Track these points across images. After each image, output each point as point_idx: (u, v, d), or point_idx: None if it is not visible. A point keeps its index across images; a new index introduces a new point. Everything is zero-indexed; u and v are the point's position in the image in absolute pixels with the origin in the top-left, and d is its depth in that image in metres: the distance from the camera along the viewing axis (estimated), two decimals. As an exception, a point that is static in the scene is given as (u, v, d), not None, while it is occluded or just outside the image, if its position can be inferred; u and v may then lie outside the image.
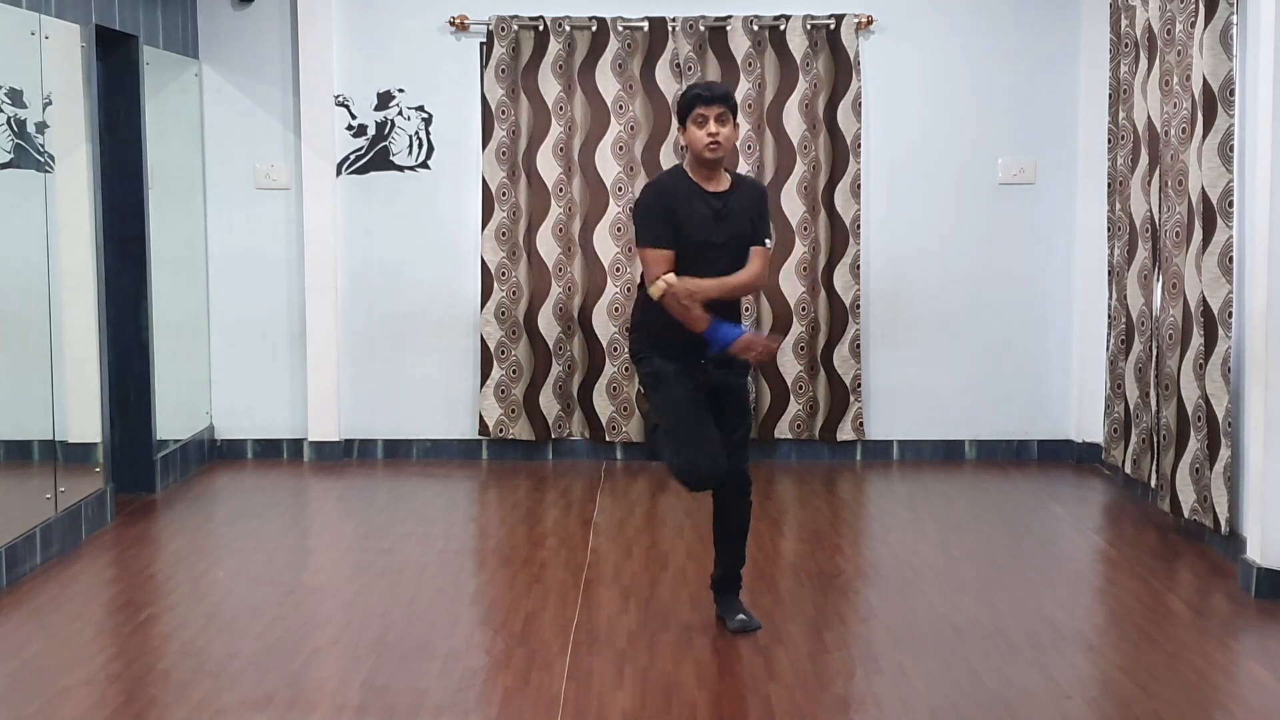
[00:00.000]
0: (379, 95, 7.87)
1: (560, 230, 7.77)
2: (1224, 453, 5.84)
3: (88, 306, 6.50)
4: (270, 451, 8.06)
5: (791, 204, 7.72)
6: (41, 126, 6.08)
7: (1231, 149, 5.80)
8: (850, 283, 7.79)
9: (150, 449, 7.16)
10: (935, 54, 7.83)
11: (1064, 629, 5.10)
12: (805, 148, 7.70)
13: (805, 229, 7.73)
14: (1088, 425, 7.76)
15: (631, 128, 7.71)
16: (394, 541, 6.38)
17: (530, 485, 7.43)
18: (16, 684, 4.59)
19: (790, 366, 7.81)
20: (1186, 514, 6.11)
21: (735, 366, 5.02)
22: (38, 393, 6.04)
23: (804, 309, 7.77)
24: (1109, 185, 7.33)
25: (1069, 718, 4.32)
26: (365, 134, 7.89)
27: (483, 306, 7.83)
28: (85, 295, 6.48)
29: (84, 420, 6.48)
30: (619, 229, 7.71)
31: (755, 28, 7.67)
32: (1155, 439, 6.50)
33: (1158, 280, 6.53)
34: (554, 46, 7.68)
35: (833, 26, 7.70)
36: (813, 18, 7.68)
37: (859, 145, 7.74)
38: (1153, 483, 6.59)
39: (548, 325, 7.82)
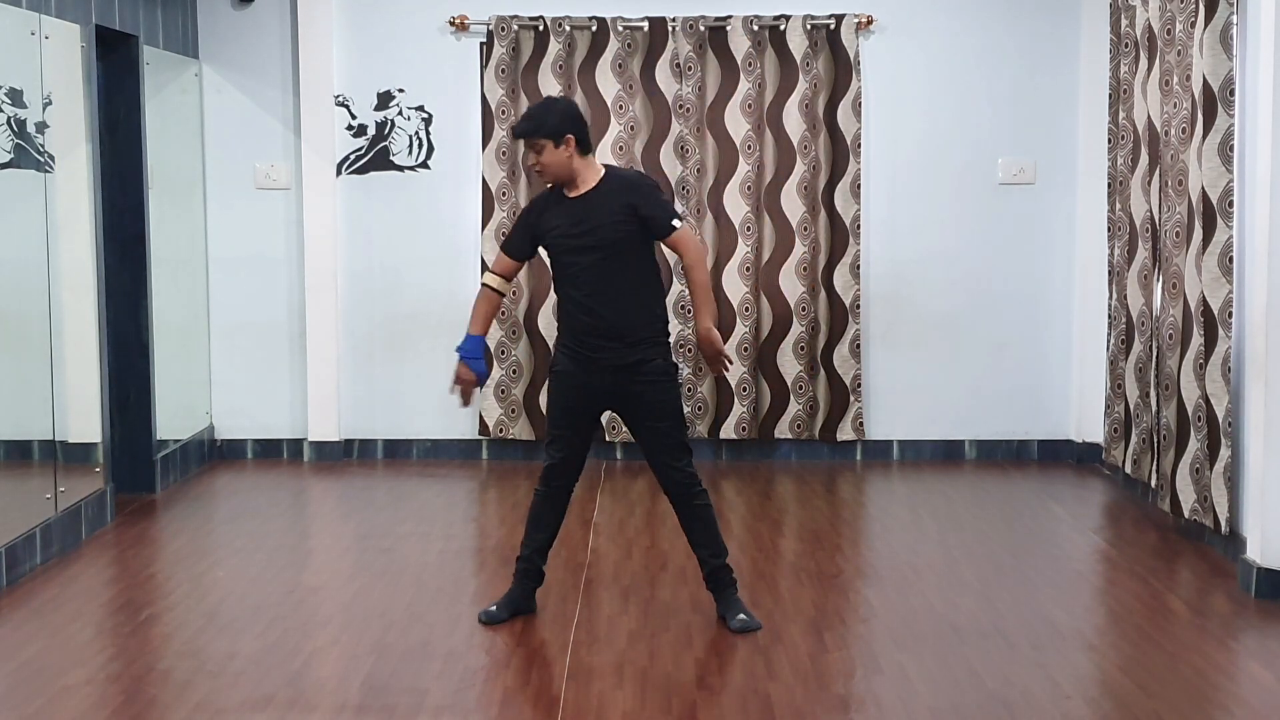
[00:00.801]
0: (379, 95, 7.87)
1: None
2: (1224, 453, 5.84)
3: (88, 306, 6.50)
4: (270, 451, 8.06)
5: (791, 204, 7.72)
6: (41, 126, 6.08)
7: (1231, 149, 5.80)
8: (850, 283, 7.79)
9: (150, 449, 7.16)
10: (935, 54, 7.83)
11: (1064, 629, 5.10)
12: (805, 148, 7.70)
13: (805, 229, 7.73)
14: (1088, 425, 7.76)
15: (631, 128, 7.71)
16: (394, 541, 6.38)
17: (530, 485, 7.37)
18: (16, 684, 4.59)
19: (790, 366, 7.81)
20: (1186, 514, 6.11)
21: (638, 372, 4.99)
22: (38, 393, 6.04)
23: (804, 309, 7.77)
24: (1109, 185, 7.33)
25: (1069, 718, 4.32)
26: (365, 134, 7.89)
27: (483, 306, 7.82)
28: (85, 295, 6.48)
29: (84, 420, 6.48)
30: (619, 229, 7.70)
31: (755, 28, 7.67)
32: (1155, 439, 6.50)
33: (1158, 280, 6.53)
34: (554, 46, 7.68)
35: (833, 26, 7.70)
36: (813, 18, 7.68)
37: (859, 145, 7.74)
38: (1153, 483, 6.59)
39: (547, 325, 7.82)
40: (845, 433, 7.89)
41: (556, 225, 5.02)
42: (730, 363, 5.16)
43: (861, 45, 7.75)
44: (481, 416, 7.88)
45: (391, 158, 7.90)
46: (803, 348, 7.81)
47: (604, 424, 7.83)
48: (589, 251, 4.95)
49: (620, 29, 7.70)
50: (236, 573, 5.90)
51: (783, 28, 7.69)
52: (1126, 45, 7.02)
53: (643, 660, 4.76)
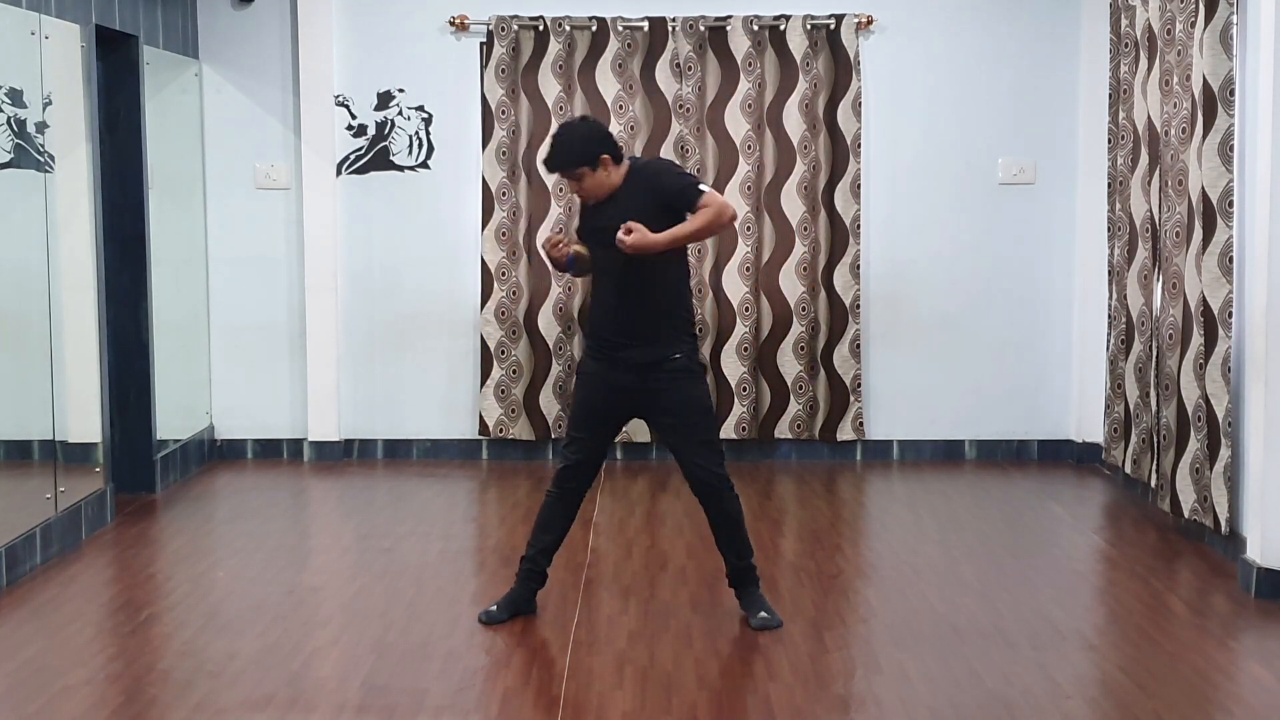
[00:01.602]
0: (379, 95, 7.87)
1: (560, 230, 7.77)
2: (1224, 453, 5.84)
3: (88, 306, 6.50)
4: (270, 451, 8.06)
5: (791, 204, 7.72)
6: (41, 126, 6.08)
7: (1231, 149, 5.80)
8: (850, 283, 7.79)
9: (150, 449, 7.16)
10: (935, 54, 7.83)
11: (1064, 629, 5.10)
12: (805, 148, 7.70)
13: (805, 229, 7.73)
14: (1088, 425, 7.76)
15: (632, 128, 7.71)
16: (394, 541, 6.37)
17: (530, 485, 7.43)
18: (16, 684, 4.59)
19: (790, 366, 7.81)
20: (1186, 514, 6.11)
21: (660, 369, 4.99)
22: (38, 393, 6.04)
23: (804, 309, 7.77)
24: (1109, 185, 7.33)
25: (1069, 718, 4.32)
26: (365, 134, 7.89)
27: (483, 306, 7.83)
28: (85, 295, 6.48)
29: (84, 420, 6.48)
30: (619, 229, 7.70)
31: (755, 28, 7.68)
32: (1155, 439, 6.50)
33: (1158, 280, 6.53)
34: (554, 46, 7.68)
35: (833, 26, 7.70)
36: (813, 18, 7.68)
37: (859, 145, 7.74)
38: (1153, 483, 6.59)
39: (548, 325, 7.82)
40: (845, 433, 7.89)
41: (592, 223, 5.07)
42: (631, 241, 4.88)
43: (861, 45, 7.75)
44: (481, 416, 7.88)
45: (391, 158, 7.90)
46: (803, 348, 7.81)
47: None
48: (618, 257, 4.93)
49: (620, 29, 7.70)
50: (236, 573, 5.90)
51: (783, 28, 7.69)
52: (1126, 45, 7.02)
53: (643, 660, 4.76)
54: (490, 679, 4.67)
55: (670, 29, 7.69)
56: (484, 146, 7.78)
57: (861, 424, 7.88)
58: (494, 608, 5.18)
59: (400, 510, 7.01)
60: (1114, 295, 7.22)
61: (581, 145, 4.95)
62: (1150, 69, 6.60)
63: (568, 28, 7.68)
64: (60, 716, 4.33)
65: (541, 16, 7.69)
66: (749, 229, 7.74)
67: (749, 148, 7.70)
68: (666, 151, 7.71)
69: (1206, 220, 5.88)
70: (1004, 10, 7.80)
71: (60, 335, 6.20)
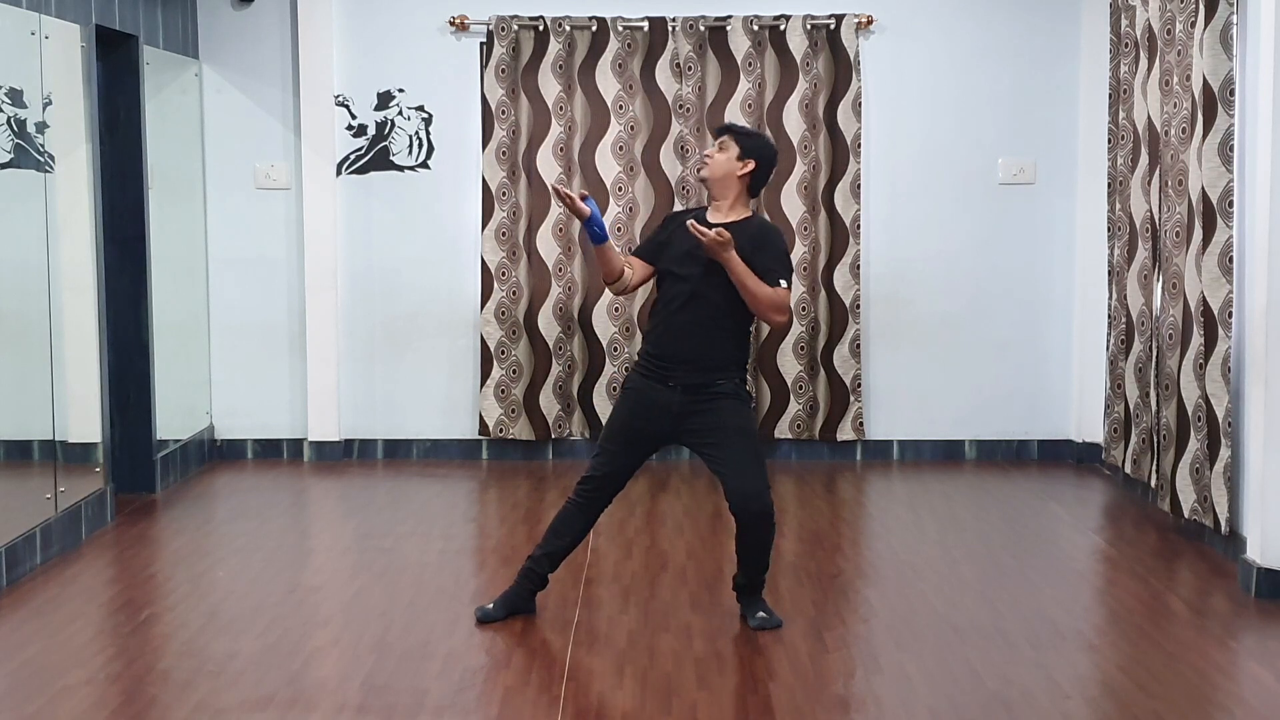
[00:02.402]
0: (379, 95, 7.87)
1: (560, 230, 7.77)
2: (1224, 453, 5.84)
3: (88, 306, 6.49)
4: (270, 451, 8.06)
5: (791, 204, 7.72)
6: (41, 126, 6.08)
7: (1231, 149, 5.80)
8: (850, 283, 7.79)
9: (150, 449, 7.16)
10: (935, 54, 7.83)
11: (1064, 629, 5.10)
12: (805, 148, 7.70)
13: (805, 229, 7.73)
14: (1088, 425, 7.76)
15: (631, 128, 7.71)
16: (394, 541, 6.37)
17: (530, 485, 7.43)
18: (16, 684, 4.59)
19: (790, 366, 7.82)
20: (1186, 514, 6.11)
21: (705, 392, 4.97)
22: (38, 393, 6.04)
23: (804, 309, 7.77)
24: (1109, 185, 7.33)
25: (1069, 718, 4.32)
26: (365, 134, 7.89)
27: (483, 306, 7.83)
28: (85, 295, 6.48)
29: (84, 420, 6.48)
30: (619, 229, 7.71)
31: (755, 28, 7.68)
32: (1155, 439, 6.50)
33: (1158, 280, 6.53)
34: (554, 46, 7.68)
35: (833, 26, 7.70)
36: (813, 18, 7.68)
37: (859, 145, 7.75)
38: (1153, 483, 6.59)
39: (548, 325, 7.82)
40: (845, 433, 7.89)
41: (681, 239, 4.99)
42: (704, 234, 4.86)
43: (861, 45, 7.75)
44: (481, 416, 7.88)
45: (391, 158, 7.90)
46: (803, 348, 7.81)
47: (604, 424, 7.82)
48: (698, 278, 4.93)
49: (620, 29, 7.70)
50: (236, 573, 5.90)
51: (783, 28, 7.69)
52: (1126, 45, 7.02)
53: (643, 660, 4.76)
54: (490, 679, 4.67)
55: (670, 29, 7.69)
56: (484, 146, 7.78)
57: (861, 424, 7.88)
58: (490, 606, 5.18)
59: (400, 510, 7.01)
60: (1114, 295, 7.22)
61: (757, 141, 5.06)
62: (1150, 69, 6.60)
63: (568, 28, 7.68)
64: (60, 716, 4.33)
65: (541, 16, 7.69)
66: (749, 229, 7.73)
67: (749, 148, 7.69)
68: (666, 152, 7.72)
69: (1206, 220, 5.88)
70: (1004, 10, 7.80)
71: (60, 335, 6.19)
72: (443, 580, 5.77)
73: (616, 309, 7.76)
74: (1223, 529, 5.85)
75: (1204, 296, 5.91)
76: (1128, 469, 6.99)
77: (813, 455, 7.98)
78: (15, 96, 5.91)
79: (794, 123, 7.70)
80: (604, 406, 7.79)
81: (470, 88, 7.84)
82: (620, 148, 7.70)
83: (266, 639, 4.99)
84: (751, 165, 4.97)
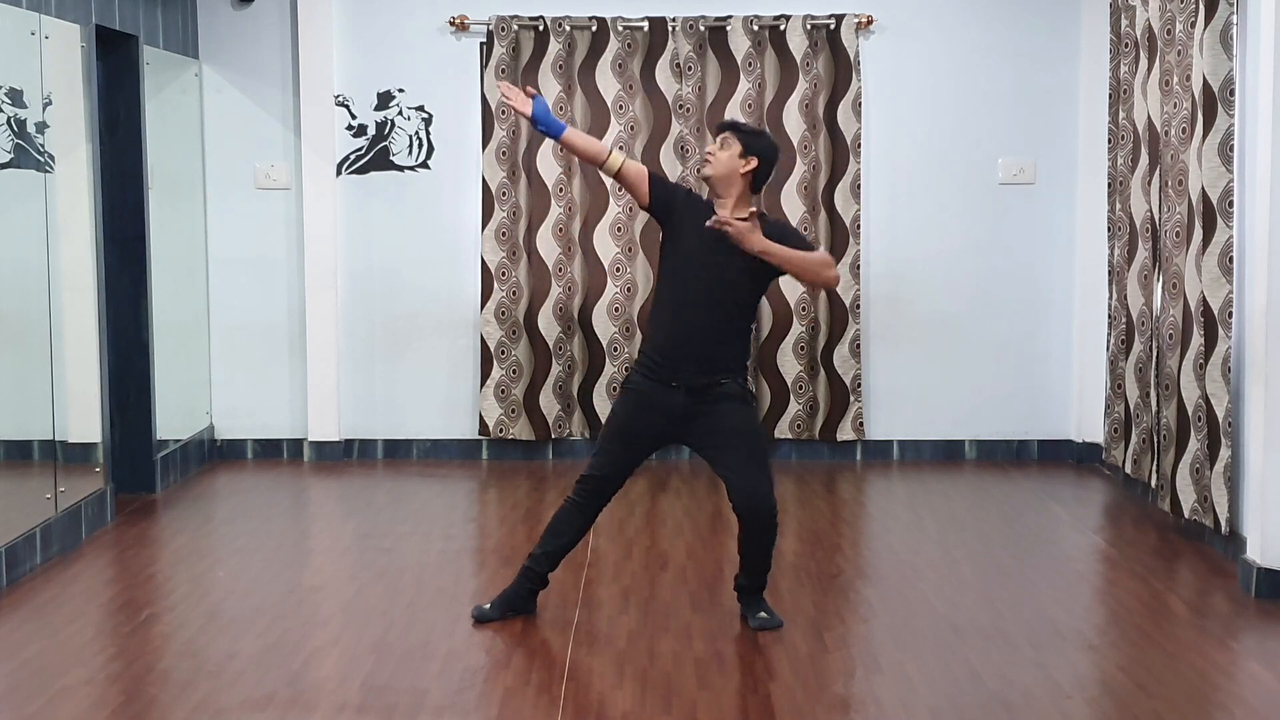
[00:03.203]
0: (379, 95, 7.87)
1: (560, 230, 7.77)
2: (1224, 453, 5.84)
3: (88, 306, 6.50)
4: (270, 451, 8.06)
5: (791, 204, 7.72)
6: (41, 126, 6.08)
7: (1231, 149, 5.80)
8: (850, 283, 7.79)
9: (150, 449, 7.16)
10: (935, 54, 7.83)
11: (1064, 629, 5.10)
12: (805, 148, 7.70)
13: (805, 229, 7.72)
14: (1088, 425, 7.76)
15: (631, 128, 7.71)
16: (394, 541, 6.37)
17: (530, 485, 7.43)
18: (16, 684, 4.59)
19: (790, 366, 7.81)
20: (1186, 514, 6.11)
21: (710, 392, 4.96)
22: (38, 393, 6.04)
23: (804, 309, 7.77)
24: (1109, 185, 7.33)
25: (1069, 718, 4.32)
26: (365, 134, 7.89)
27: (483, 306, 7.83)
28: (85, 295, 6.48)
29: (84, 420, 6.48)
30: (619, 229, 7.72)
31: (755, 28, 7.68)
32: (1155, 439, 6.50)
33: (1158, 280, 6.53)
34: (554, 46, 7.68)
35: (833, 26, 7.70)
36: (813, 18, 7.68)
37: (859, 145, 7.74)
38: (1153, 483, 6.59)
39: (548, 325, 7.82)
40: (845, 433, 7.89)
41: (700, 230, 4.91)
42: (731, 225, 4.85)
43: (861, 45, 7.75)
44: (481, 416, 7.88)
45: (391, 158, 7.90)
46: (803, 348, 7.81)
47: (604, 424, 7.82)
48: (712, 277, 4.92)
49: (620, 29, 7.70)
50: (236, 573, 5.90)
51: (783, 28, 7.69)
52: (1126, 45, 7.02)
53: (643, 660, 4.76)
54: (490, 679, 4.67)
55: (670, 29, 7.69)
56: (484, 146, 7.78)
57: (861, 424, 7.88)
58: (487, 606, 5.18)
59: (400, 510, 7.01)
60: (1114, 295, 7.22)
61: (759, 139, 5.04)
62: (1150, 69, 6.60)
63: (568, 28, 7.68)
64: (60, 716, 4.33)
65: (541, 16, 7.69)
66: (749, 229, 7.73)
67: (749, 148, 7.69)
68: (666, 151, 7.72)
69: (1206, 220, 5.88)
70: (1004, 10, 7.80)
71: (60, 335, 6.19)
72: (443, 580, 5.77)
73: (616, 309, 7.76)
74: (1223, 529, 5.85)
75: (1204, 296, 5.91)
76: (1128, 469, 6.99)
77: (813, 455, 7.98)
78: (15, 96, 5.91)
79: (794, 123, 7.70)
80: (604, 406, 7.79)
81: (470, 88, 7.84)
82: (620, 148, 7.69)
83: (266, 639, 4.99)
84: (754, 163, 4.96)
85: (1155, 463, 6.52)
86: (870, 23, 7.74)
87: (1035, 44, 7.80)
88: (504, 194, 7.76)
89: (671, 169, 7.71)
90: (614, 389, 7.77)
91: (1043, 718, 4.30)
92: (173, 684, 4.61)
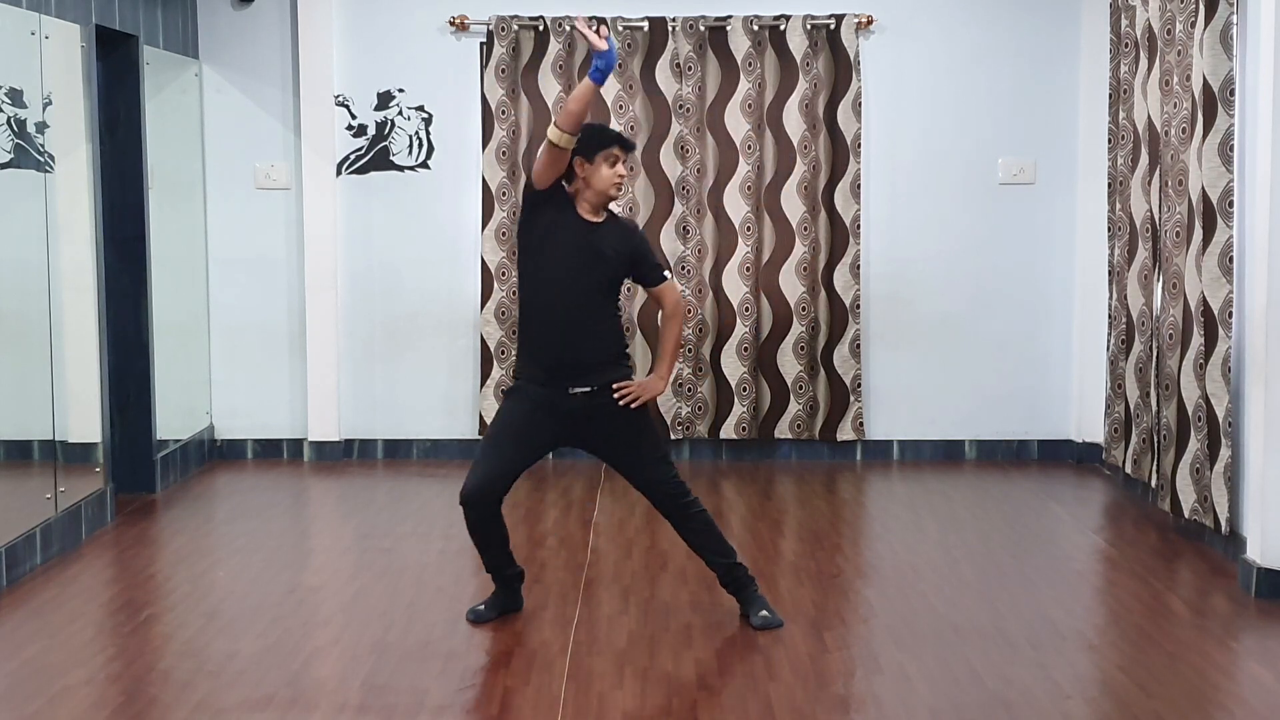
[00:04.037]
0: (379, 95, 7.87)
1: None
2: (1224, 453, 5.84)
3: (88, 306, 6.50)
4: (270, 451, 8.06)
5: (791, 204, 7.72)
6: (41, 126, 6.08)
7: (1231, 149, 5.80)
8: (850, 283, 7.79)
9: (150, 449, 7.16)
10: (935, 54, 7.83)
11: (1064, 629, 5.10)
12: (805, 148, 7.70)
13: (805, 229, 7.73)
14: (1088, 425, 7.76)
15: (631, 127, 7.70)
16: (394, 541, 6.38)
17: (530, 485, 7.42)
18: (16, 684, 4.59)
19: (790, 366, 7.82)
20: (1186, 514, 6.11)
21: (603, 395, 4.97)
22: (38, 393, 6.04)
23: (804, 309, 7.77)
24: (1109, 185, 7.33)
25: (1069, 718, 4.32)
26: (365, 134, 7.89)
27: (483, 306, 7.83)
28: (85, 295, 6.48)
29: (84, 420, 6.48)
30: (619, 229, 7.71)
31: (755, 28, 7.68)
32: (1155, 439, 6.50)
33: (1158, 280, 6.53)
34: (554, 46, 7.68)
35: (833, 26, 7.70)
36: (813, 18, 7.68)
37: (859, 145, 7.75)
38: (1153, 483, 6.59)
39: (548, 325, 7.81)
40: (845, 433, 7.89)
41: (567, 232, 4.94)
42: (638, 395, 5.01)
43: (861, 45, 7.75)
44: (481, 416, 7.88)
45: (391, 158, 7.90)
46: (803, 348, 7.81)
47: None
48: (582, 277, 4.94)
49: (620, 29, 7.70)
50: (236, 573, 5.90)
51: (783, 28, 7.69)
52: (1126, 45, 7.02)
53: (643, 660, 4.76)
54: (490, 679, 4.67)
55: (670, 29, 7.69)
56: (484, 146, 7.79)
57: (861, 424, 7.88)
58: (482, 606, 5.19)
59: (400, 510, 7.01)
60: (1114, 295, 7.22)
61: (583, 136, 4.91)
62: (1150, 69, 6.60)
63: (568, 28, 7.68)
64: (60, 716, 4.33)
65: (541, 16, 7.69)
66: (749, 229, 7.74)
67: (749, 148, 7.70)
68: (666, 152, 7.72)
69: (1206, 220, 5.88)
70: (1004, 10, 7.80)
71: (60, 335, 6.20)
72: (443, 580, 5.77)
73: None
74: (1223, 529, 5.85)
75: (1204, 296, 5.91)
76: (1128, 469, 6.99)
77: (813, 455, 7.98)
78: (15, 96, 5.91)
79: (794, 123, 7.70)
80: (604, 406, 7.79)
81: (470, 88, 7.84)
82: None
83: (266, 639, 4.99)
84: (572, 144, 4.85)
85: (1155, 463, 6.52)
86: (870, 23, 7.74)
87: (1035, 44, 7.80)
88: (504, 194, 7.76)
89: (671, 169, 7.72)
90: (614, 389, 7.77)
91: (1043, 718, 4.30)
92: (173, 684, 4.62)
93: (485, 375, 7.85)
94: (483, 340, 7.84)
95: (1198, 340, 5.98)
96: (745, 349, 7.79)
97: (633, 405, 4.98)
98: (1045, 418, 7.98)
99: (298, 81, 7.84)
